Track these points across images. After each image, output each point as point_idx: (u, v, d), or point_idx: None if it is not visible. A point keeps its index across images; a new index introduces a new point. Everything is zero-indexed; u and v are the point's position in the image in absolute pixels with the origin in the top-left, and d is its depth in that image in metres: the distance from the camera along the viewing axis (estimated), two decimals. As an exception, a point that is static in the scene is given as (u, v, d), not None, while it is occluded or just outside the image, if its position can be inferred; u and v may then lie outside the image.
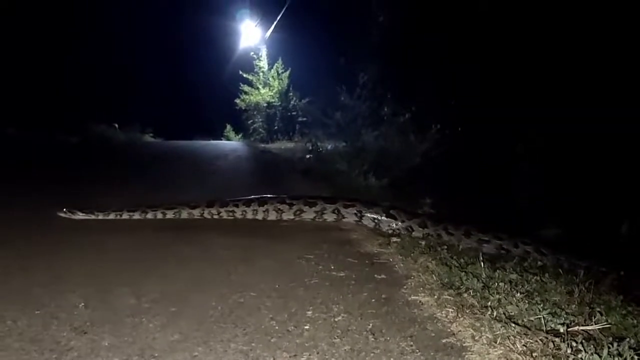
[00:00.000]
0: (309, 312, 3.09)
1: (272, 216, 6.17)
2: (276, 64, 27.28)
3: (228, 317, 2.97)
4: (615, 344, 2.49)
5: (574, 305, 3.24)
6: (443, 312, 3.12)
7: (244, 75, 27.57)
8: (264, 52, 27.84)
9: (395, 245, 4.96)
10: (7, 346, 2.49)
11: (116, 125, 23.39)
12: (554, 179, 10.89)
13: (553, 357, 2.46)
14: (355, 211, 6.10)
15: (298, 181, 10.67)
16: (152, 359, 2.43)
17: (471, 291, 3.37)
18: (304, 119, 24.09)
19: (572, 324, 2.86)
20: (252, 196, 6.42)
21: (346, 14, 16.38)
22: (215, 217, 6.17)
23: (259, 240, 5.16)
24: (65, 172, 10.85)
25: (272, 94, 27.19)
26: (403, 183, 10.34)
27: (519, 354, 2.50)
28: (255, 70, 27.71)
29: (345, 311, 3.12)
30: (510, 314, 3.00)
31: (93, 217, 5.80)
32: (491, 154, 12.08)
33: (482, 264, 3.90)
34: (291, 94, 27.36)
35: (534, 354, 2.49)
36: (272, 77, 27.26)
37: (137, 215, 5.93)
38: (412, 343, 2.68)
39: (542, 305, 3.07)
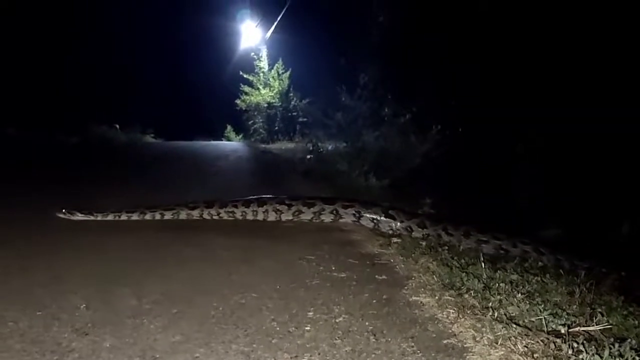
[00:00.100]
0: (310, 313, 3.09)
1: (272, 217, 6.17)
2: (277, 65, 27.32)
3: (229, 318, 2.97)
4: (616, 345, 2.49)
5: (575, 306, 3.24)
6: (444, 313, 3.12)
7: (245, 76, 27.62)
8: (264, 53, 27.89)
9: (396, 246, 4.95)
10: (8, 347, 2.49)
11: (117, 126, 23.39)
12: (554, 179, 10.89)
13: (554, 358, 2.46)
14: (354, 211, 6.09)
15: (299, 182, 10.68)
16: (153, 360, 2.44)
17: (472, 292, 3.37)
18: (305, 119, 24.11)
19: (573, 324, 2.86)
20: (252, 197, 6.42)
21: (346, 14, 16.38)
22: (215, 217, 6.16)
23: (259, 241, 5.16)
24: (66, 173, 10.86)
25: (272, 94, 27.23)
26: (403, 183, 10.34)
27: (520, 354, 2.50)
28: (256, 70, 27.76)
29: (346, 312, 3.12)
30: (512, 314, 3.00)
31: (92, 217, 5.80)
32: (491, 154, 12.08)
33: (482, 264, 3.90)
34: (292, 94, 27.39)
35: (535, 355, 2.49)
36: (273, 77, 27.29)
37: (135, 216, 5.92)
38: (413, 344, 2.68)
39: (543, 306, 3.07)
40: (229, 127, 32.10)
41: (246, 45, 29.31)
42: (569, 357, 2.45)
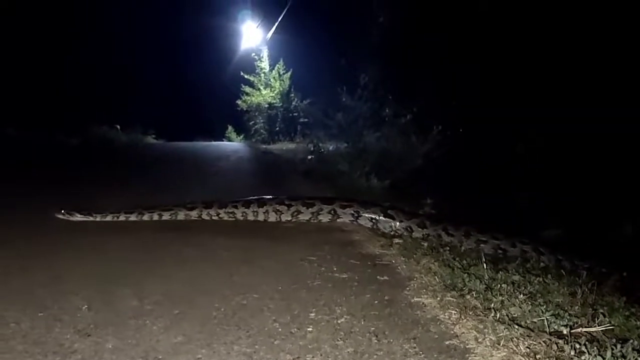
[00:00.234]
0: (312, 314, 3.08)
1: (272, 217, 6.16)
2: (277, 65, 27.36)
3: (231, 319, 2.97)
4: (618, 346, 2.49)
5: (577, 307, 3.23)
6: (446, 313, 3.12)
7: (246, 77, 27.65)
8: (265, 53, 27.94)
9: (398, 247, 4.95)
10: (11, 348, 2.49)
11: (118, 127, 23.39)
12: (554, 179, 10.90)
13: (556, 359, 2.46)
14: (352, 211, 6.09)
15: (299, 182, 10.69)
16: (155, 362, 2.44)
17: (474, 293, 3.37)
18: (306, 120, 24.15)
19: (576, 325, 2.85)
20: (252, 197, 6.41)
21: (347, 15, 16.40)
22: (214, 218, 6.16)
23: (260, 242, 5.16)
24: (66, 173, 10.86)
25: (273, 95, 27.27)
26: (405, 184, 10.34)
27: (522, 355, 2.50)
28: (257, 71, 27.81)
29: (348, 313, 3.12)
30: (513, 315, 3.00)
31: (91, 218, 5.79)
32: (491, 154, 12.09)
33: (484, 265, 3.90)
34: (292, 95, 27.44)
35: (538, 356, 2.49)
36: (274, 78, 27.33)
37: (133, 217, 5.92)
38: (415, 345, 2.68)
39: (545, 306, 3.07)
40: (230, 127, 32.12)
41: (247, 45, 29.41)
42: (572, 358, 2.45)
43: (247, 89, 27.84)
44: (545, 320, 2.85)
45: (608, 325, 2.88)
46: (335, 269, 4.14)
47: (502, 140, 12.36)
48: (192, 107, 35.87)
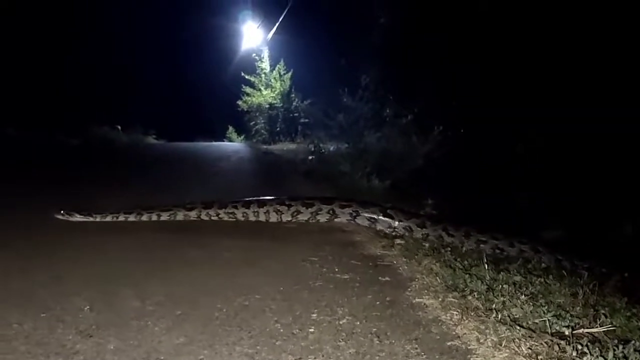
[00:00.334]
0: (314, 315, 3.09)
1: (273, 218, 6.16)
2: (278, 66, 27.37)
3: (233, 319, 2.97)
4: (620, 347, 2.49)
5: (578, 308, 3.24)
6: (448, 314, 3.12)
7: (246, 77, 27.65)
8: (266, 54, 27.94)
9: (399, 248, 4.95)
10: (14, 349, 2.49)
11: (119, 127, 23.38)
12: (554, 179, 10.90)
13: (558, 360, 2.46)
14: (351, 211, 6.08)
15: (300, 183, 10.69)
16: (158, 363, 2.44)
17: (475, 293, 3.37)
18: (306, 120, 24.15)
19: (577, 326, 2.86)
20: (251, 198, 6.41)
21: (347, 15, 16.41)
22: (214, 218, 6.15)
23: (261, 242, 5.16)
24: (66, 173, 10.85)
25: (274, 95, 27.27)
26: (406, 184, 10.35)
27: (524, 356, 2.51)
28: (257, 71, 27.81)
29: (349, 314, 3.12)
30: (515, 316, 3.00)
31: (91, 219, 5.79)
32: (492, 155, 12.09)
33: (486, 266, 3.91)
34: (293, 95, 27.43)
35: (540, 357, 2.49)
36: (274, 78, 27.34)
37: (132, 217, 5.91)
38: (417, 346, 2.69)
39: (546, 307, 3.07)
40: (230, 128, 32.13)
41: (248, 46, 29.42)
42: (574, 359, 2.45)
43: (248, 89, 27.85)
44: (547, 321, 2.85)
45: (610, 326, 2.88)
46: (336, 269, 4.14)
47: (502, 140, 12.36)
48: (192, 107, 35.88)
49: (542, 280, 3.79)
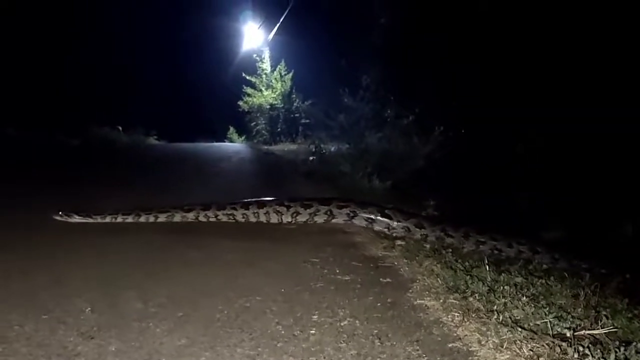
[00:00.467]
0: (315, 317, 3.09)
1: (274, 219, 6.15)
2: (279, 66, 27.36)
3: (234, 321, 2.97)
4: (622, 348, 2.49)
5: (579, 309, 3.24)
6: (449, 316, 3.12)
7: (247, 78, 27.64)
8: (266, 54, 27.92)
9: (400, 249, 4.95)
10: (15, 351, 2.49)
11: (120, 128, 23.37)
12: (554, 179, 10.90)
13: (560, 361, 2.46)
14: (349, 211, 6.08)
15: (301, 183, 10.68)
16: (159, 364, 2.44)
17: (477, 295, 3.37)
18: (307, 121, 24.14)
19: (579, 327, 2.85)
20: (251, 199, 6.40)
21: (347, 16, 16.42)
22: (212, 219, 6.13)
23: (261, 244, 5.16)
24: (66, 173, 10.84)
25: (275, 96, 27.27)
26: (407, 185, 10.35)
27: (525, 358, 2.51)
28: (258, 72, 27.79)
29: (351, 315, 3.12)
30: (516, 318, 3.00)
31: (91, 220, 5.77)
32: (492, 155, 12.09)
33: (487, 267, 3.90)
34: (294, 95, 27.41)
35: (541, 359, 2.49)
36: (275, 79, 27.34)
37: (130, 219, 5.89)
38: (418, 347, 2.69)
39: (548, 309, 3.06)
40: (231, 128, 32.11)
41: (248, 46, 29.38)
42: (575, 361, 2.45)
43: (249, 90, 27.86)
44: (548, 323, 2.85)
45: (611, 327, 2.88)
46: (337, 271, 4.14)
47: (503, 140, 12.36)
48: (193, 108, 35.86)
49: (544, 281, 3.79)
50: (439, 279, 3.79)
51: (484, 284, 3.56)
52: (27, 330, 2.73)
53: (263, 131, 27.69)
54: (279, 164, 16.17)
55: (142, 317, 2.98)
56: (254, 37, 28.96)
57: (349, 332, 2.86)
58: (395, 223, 5.82)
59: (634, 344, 2.55)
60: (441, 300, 3.37)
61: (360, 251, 4.96)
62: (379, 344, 2.72)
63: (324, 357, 2.54)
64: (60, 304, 3.13)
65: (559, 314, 3.00)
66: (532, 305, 3.14)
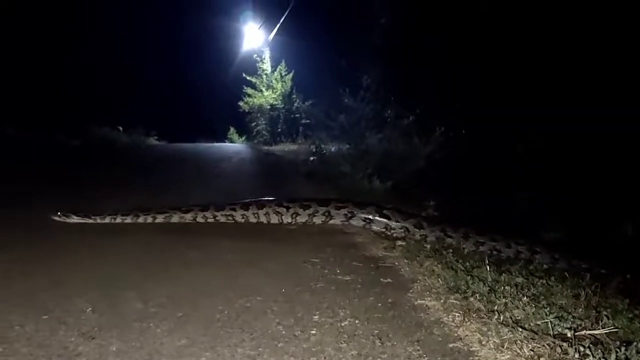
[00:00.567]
0: (316, 317, 3.09)
1: (274, 219, 6.15)
2: (279, 66, 27.32)
3: (235, 321, 2.97)
4: (622, 349, 2.49)
5: (580, 309, 3.24)
6: (449, 316, 3.12)
7: (247, 78, 27.62)
8: (267, 55, 27.88)
9: (401, 249, 4.95)
10: (15, 351, 2.49)
11: (120, 128, 23.35)
12: (554, 179, 10.90)
13: (560, 361, 2.46)
14: (346, 212, 6.07)
15: (302, 184, 10.67)
16: (160, 365, 2.44)
17: (477, 295, 3.37)
18: (308, 121, 24.11)
19: (579, 328, 2.85)
20: (250, 200, 6.40)
21: (347, 16, 16.42)
22: (210, 220, 6.12)
23: (262, 244, 5.16)
24: (66, 174, 10.82)
25: (275, 96, 27.23)
26: (407, 186, 10.35)
27: (526, 358, 2.51)
28: (259, 72, 27.75)
29: (351, 316, 3.12)
30: (517, 318, 3.00)
31: (90, 220, 5.76)
32: (493, 155, 12.09)
33: (487, 267, 3.90)
34: (294, 96, 27.36)
35: (542, 359, 2.49)
36: (276, 79, 27.30)
37: (129, 219, 5.88)
38: (419, 348, 2.69)
39: (548, 309, 3.06)
40: (232, 129, 32.08)
41: (249, 47, 29.33)
42: (576, 361, 2.45)
43: (249, 90, 27.82)
44: (549, 323, 2.85)
45: (612, 327, 2.88)
46: (338, 271, 4.14)
47: (503, 140, 12.36)
48: (194, 108, 35.79)
49: (544, 281, 3.78)
50: (439, 279, 3.79)
51: (484, 284, 3.56)
52: (28, 331, 2.73)
53: (263, 131, 27.66)
54: (280, 164, 16.16)
55: (142, 317, 2.98)
56: (254, 37, 28.92)
57: (350, 332, 2.86)
58: (394, 223, 5.82)
59: (635, 344, 2.54)
60: (442, 301, 3.37)
61: (360, 251, 4.96)
62: (379, 344, 2.72)
63: (325, 358, 2.54)
64: (60, 304, 3.13)
65: (560, 314, 3.00)
66: (533, 305, 3.14)
